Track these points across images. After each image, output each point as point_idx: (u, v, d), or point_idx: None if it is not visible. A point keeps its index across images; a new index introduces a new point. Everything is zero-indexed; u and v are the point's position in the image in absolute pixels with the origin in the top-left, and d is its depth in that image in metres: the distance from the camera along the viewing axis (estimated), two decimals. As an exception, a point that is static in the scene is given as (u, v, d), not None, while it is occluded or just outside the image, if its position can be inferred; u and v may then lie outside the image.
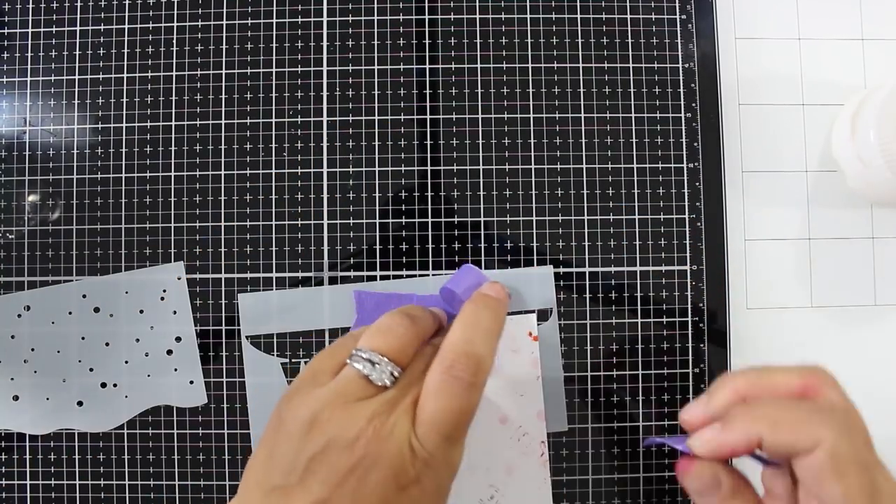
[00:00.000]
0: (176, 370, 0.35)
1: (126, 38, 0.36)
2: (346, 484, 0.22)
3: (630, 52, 0.36)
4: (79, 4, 0.36)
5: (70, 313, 0.35)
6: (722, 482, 0.23)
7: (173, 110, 0.35)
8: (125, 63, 0.36)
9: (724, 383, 0.24)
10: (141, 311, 0.35)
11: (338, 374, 0.25)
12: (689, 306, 0.35)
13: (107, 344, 0.35)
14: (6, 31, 0.36)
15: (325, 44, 0.36)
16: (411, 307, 0.29)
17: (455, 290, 0.32)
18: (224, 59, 0.36)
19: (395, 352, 0.25)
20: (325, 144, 0.35)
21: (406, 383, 0.25)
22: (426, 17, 0.36)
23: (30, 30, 0.36)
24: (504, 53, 0.36)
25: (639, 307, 0.35)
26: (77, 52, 0.36)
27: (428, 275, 0.35)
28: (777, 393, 0.23)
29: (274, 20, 0.36)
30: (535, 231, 0.35)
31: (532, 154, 0.35)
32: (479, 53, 0.36)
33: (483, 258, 0.35)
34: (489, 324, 0.26)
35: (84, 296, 0.35)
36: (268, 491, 0.23)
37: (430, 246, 0.35)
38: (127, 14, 0.36)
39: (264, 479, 0.23)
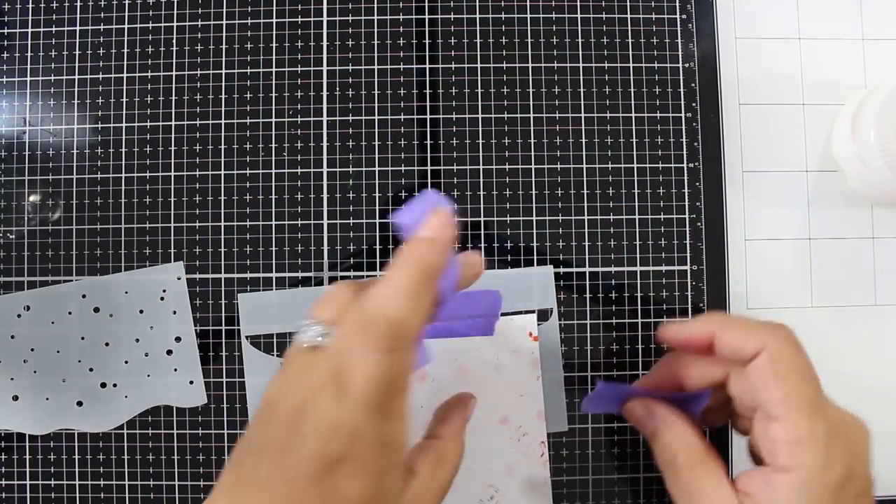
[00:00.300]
0: (176, 370, 0.35)
1: (126, 38, 0.36)
2: (266, 461, 0.21)
3: (630, 52, 0.36)
4: (79, 4, 0.36)
5: (70, 313, 0.35)
6: (655, 412, 0.27)
7: (173, 110, 0.35)
8: (125, 63, 0.36)
9: (703, 317, 0.27)
10: (141, 311, 0.35)
11: None
12: (689, 306, 0.35)
13: (107, 344, 0.35)
14: (6, 31, 0.36)
15: (325, 44, 0.36)
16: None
17: (404, 221, 0.25)
18: (224, 59, 0.36)
19: (327, 312, 0.24)
20: (325, 144, 0.35)
21: (333, 347, 0.23)
22: (426, 17, 0.36)
23: (30, 30, 0.36)
24: (504, 53, 0.36)
25: (639, 307, 0.35)
26: (77, 52, 0.36)
27: (428, 275, 0.35)
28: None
29: (274, 20, 0.36)
30: (535, 231, 0.35)
31: (532, 154, 0.35)
32: (479, 53, 0.36)
33: (483, 258, 0.35)
34: (412, 278, 0.23)
35: (84, 296, 0.35)
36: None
37: (430, 246, 0.35)
38: (127, 14, 0.36)
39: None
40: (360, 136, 0.35)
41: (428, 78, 0.36)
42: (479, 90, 0.35)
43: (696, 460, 0.25)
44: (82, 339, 0.35)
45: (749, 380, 0.24)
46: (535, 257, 0.35)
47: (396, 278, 0.23)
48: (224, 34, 0.36)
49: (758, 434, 0.24)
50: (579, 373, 0.34)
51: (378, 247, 0.35)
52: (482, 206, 0.35)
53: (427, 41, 0.36)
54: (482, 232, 0.35)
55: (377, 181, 0.35)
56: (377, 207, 0.35)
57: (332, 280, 0.35)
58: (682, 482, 0.25)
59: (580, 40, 0.36)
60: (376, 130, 0.35)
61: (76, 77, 0.36)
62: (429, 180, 0.35)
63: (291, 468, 0.21)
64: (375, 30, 0.36)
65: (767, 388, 0.23)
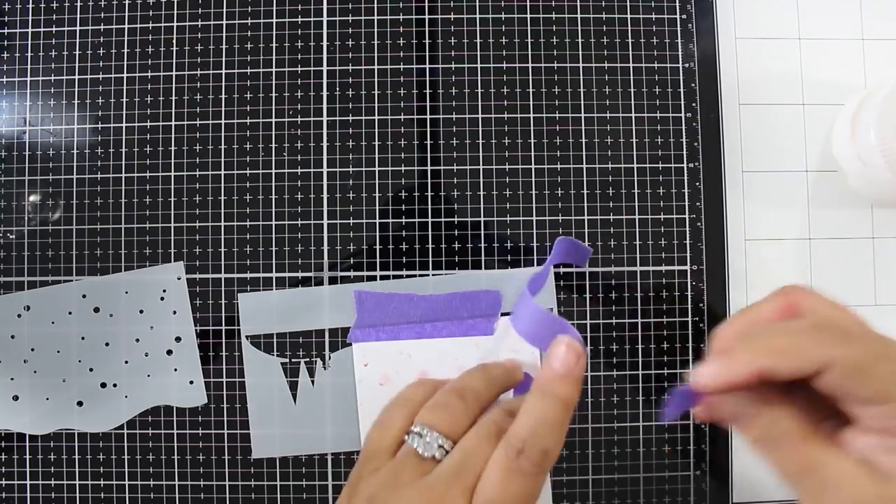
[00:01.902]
0: (176, 370, 0.35)
1: (126, 38, 0.36)
2: None
3: (630, 52, 0.36)
4: (79, 4, 0.36)
5: (70, 313, 0.35)
6: (745, 399, 0.23)
7: (173, 110, 0.35)
8: (125, 63, 0.36)
9: (720, 337, 0.24)
10: (141, 311, 0.35)
11: (395, 452, 0.26)
12: (689, 306, 0.35)
13: (107, 344, 0.35)
14: (6, 31, 0.36)
15: (325, 44, 0.36)
16: (470, 376, 0.28)
17: (520, 332, 0.28)
18: (224, 59, 0.36)
19: (446, 426, 0.26)
20: (325, 144, 0.35)
21: (459, 460, 0.25)
22: (426, 17, 0.36)
23: (30, 30, 0.36)
24: (504, 53, 0.36)
25: (639, 307, 0.35)
26: (77, 52, 0.36)
27: (428, 275, 0.35)
28: (766, 320, 0.24)
29: (274, 20, 0.36)
30: (535, 231, 0.35)
31: (532, 154, 0.35)
32: (479, 53, 0.36)
33: (483, 258, 0.35)
34: (556, 415, 0.24)
35: (84, 296, 0.35)
36: None
37: (430, 246, 0.35)
38: (127, 14, 0.36)
39: None
40: (360, 136, 0.35)
41: (428, 78, 0.36)
42: (479, 90, 0.35)
43: (809, 432, 0.23)
44: (82, 339, 0.35)
45: (824, 388, 0.22)
46: (535, 257, 0.35)
47: (541, 415, 0.24)
48: (224, 34, 0.36)
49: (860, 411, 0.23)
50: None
51: (378, 247, 0.35)
52: (482, 206, 0.35)
53: (427, 41, 0.36)
54: (482, 232, 0.35)
55: (377, 181, 0.35)
56: (377, 207, 0.35)
57: (332, 280, 0.35)
58: (797, 456, 0.23)
59: (580, 40, 0.36)
60: (376, 130, 0.35)
61: (76, 77, 0.36)
62: (429, 180, 0.35)
63: None
64: (375, 30, 0.36)
65: (856, 393, 0.22)
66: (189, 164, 0.35)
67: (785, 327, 0.23)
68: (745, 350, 0.22)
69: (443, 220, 0.35)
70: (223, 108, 0.35)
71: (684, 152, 0.35)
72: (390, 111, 0.35)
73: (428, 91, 0.36)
